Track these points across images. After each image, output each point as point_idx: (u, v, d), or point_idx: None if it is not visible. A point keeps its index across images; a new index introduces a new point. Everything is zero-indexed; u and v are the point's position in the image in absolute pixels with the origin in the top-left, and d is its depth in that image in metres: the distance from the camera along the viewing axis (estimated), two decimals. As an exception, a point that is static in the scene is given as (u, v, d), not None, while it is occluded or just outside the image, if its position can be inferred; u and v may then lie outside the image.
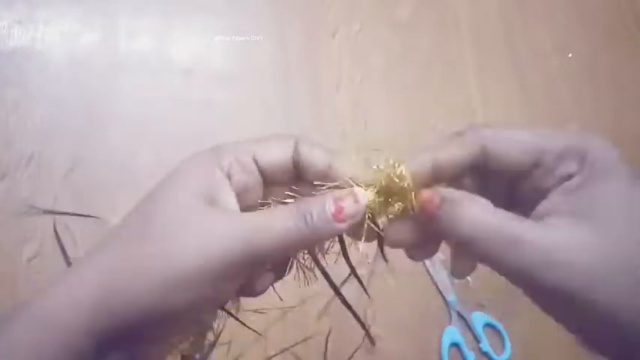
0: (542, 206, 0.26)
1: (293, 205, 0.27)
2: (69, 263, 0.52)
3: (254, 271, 0.29)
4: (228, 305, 0.32)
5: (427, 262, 0.61)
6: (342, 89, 0.67)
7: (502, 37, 0.76)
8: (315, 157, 0.29)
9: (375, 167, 0.29)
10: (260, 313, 0.50)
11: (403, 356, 0.58)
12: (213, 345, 0.44)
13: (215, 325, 0.39)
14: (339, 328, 0.56)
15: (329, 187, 0.28)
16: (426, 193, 0.27)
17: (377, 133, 0.67)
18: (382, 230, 0.29)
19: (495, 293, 0.60)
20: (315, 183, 0.29)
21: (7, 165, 0.54)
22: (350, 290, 0.50)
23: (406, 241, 0.29)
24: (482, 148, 0.27)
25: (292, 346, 0.53)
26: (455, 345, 0.59)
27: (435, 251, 0.30)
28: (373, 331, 0.57)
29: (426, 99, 0.70)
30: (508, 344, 0.60)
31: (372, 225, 0.28)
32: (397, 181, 0.28)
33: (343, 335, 0.56)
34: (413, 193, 0.28)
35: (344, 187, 0.28)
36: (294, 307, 0.54)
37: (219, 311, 0.31)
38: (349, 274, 0.34)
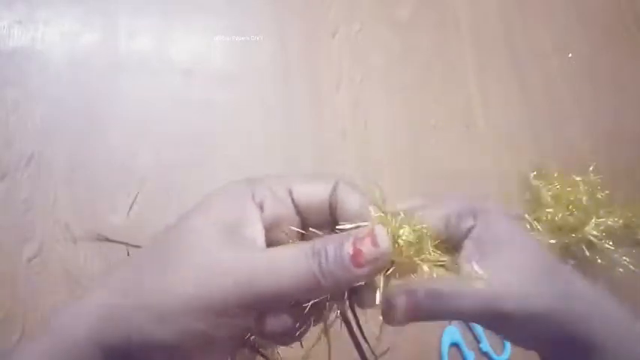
0: (463, 255, 0.31)
1: (307, 244, 0.25)
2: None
3: (262, 312, 0.26)
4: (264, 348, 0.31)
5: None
6: (342, 89, 0.67)
7: (502, 37, 0.76)
8: (351, 200, 0.28)
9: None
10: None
11: (403, 356, 0.58)
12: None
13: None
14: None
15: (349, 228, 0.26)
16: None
17: (377, 133, 0.67)
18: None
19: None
20: (338, 227, 0.27)
21: (7, 165, 0.54)
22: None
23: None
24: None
25: None
26: (455, 345, 0.59)
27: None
28: (373, 330, 0.57)
29: (426, 99, 0.70)
30: (508, 344, 0.60)
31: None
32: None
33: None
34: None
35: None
36: None
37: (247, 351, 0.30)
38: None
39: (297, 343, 0.29)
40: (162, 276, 0.25)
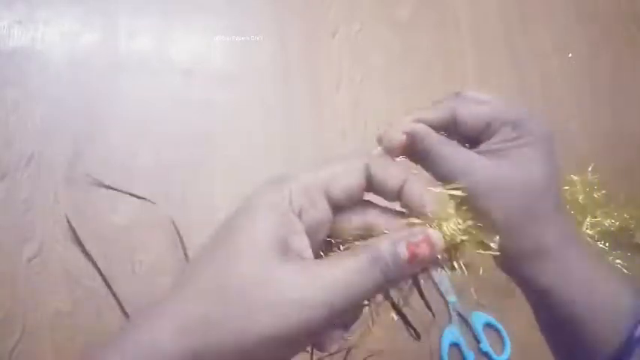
0: (481, 147, 0.34)
1: (363, 253, 0.26)
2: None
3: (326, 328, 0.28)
4: None
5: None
6: (342, 89, 0.67)
7: (502, 37, 0.76)
8: (390, 176, 0.29)
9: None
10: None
11: (403, 356, 0.58)
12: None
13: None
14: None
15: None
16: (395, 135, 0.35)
17: (377, 133, 0.67)
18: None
19: (495, 293, 0.60)
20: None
21: (7, 165, 0.54)
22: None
23: None
24: (452, 112, 0.36)
25: None
26: (455, 345, 0.59)
27: None
28: (373, 331, 0.57)
29: (426, 99, 0.70)
30: (508, 344, 0.60)
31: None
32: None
33: None
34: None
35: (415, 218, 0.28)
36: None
37: None
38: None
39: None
40: (237, 304, 0.25)
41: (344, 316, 0.28)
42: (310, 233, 0.28)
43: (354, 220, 0.29)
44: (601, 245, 0.59)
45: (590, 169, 0.64)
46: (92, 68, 0.60)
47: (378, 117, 0.67)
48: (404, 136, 0.34)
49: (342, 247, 0.30)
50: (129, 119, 0.60)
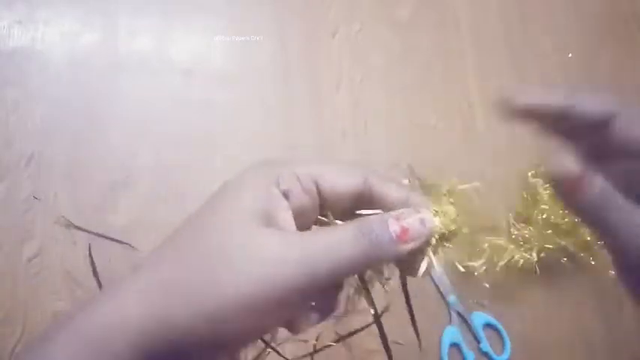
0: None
1: (352, 224, 0.26)
2: (98, 282, 0.52)
3: (306, 302, 0.27)
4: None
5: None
6: (342, 89, 0.67)
7: (502, 37, 0.76)
8: (389, 191, 0.28)
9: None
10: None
11: (403, 356, 0.58)
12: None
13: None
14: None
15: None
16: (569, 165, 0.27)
17: (377, 133, 0.67)
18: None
19: (495, 293, 0.60)
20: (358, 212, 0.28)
21: (7, 165, 0.54)
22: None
23: None
24: (617, 110, 0.29)
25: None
26: (455, 345, 0.59)
27: None
28: (373, 330, 0.57)
29: (426, 99, 0.70)
30: (508, 344, 0.60)
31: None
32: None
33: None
34: None
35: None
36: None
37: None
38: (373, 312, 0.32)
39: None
40: (211, 275, 0.24)
41: (325, 291, 0.27)
42: (296, 217, 0.28)
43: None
44: (601, 246, 0.59)
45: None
46: (92, 68, 0.60)
47: (378, 117, 0.67)
48: (574, 174, 0.27)
49: None
50: (129, 119, 0.60)
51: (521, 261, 0.59)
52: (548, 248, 0.60)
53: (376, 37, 0.71)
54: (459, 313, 0.60)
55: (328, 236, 0.25)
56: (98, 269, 0.53)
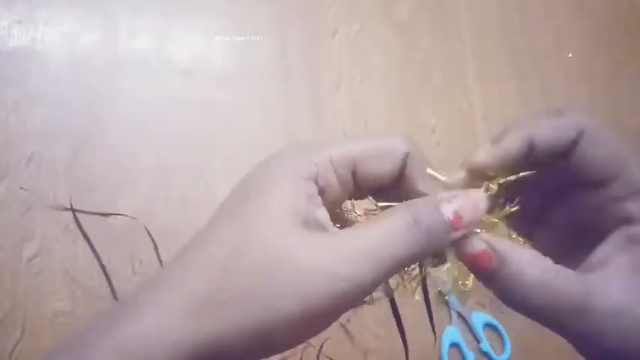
0: (600, 252, 0.25)
1: (404, 213, 0.23)
2: (101, 265, 0.52)
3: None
4: None
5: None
6: (342, 89, 0.67)
7: (502, 37, 0.76)
8: (423, 187, 0.26)
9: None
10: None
11: (403, 356, 0.58)
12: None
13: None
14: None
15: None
16: (476, 246, 0.24)
17: (377, 133, 0.67)
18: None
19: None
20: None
21: (7, 165, 0.54)
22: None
23: None
24: (578, 134, 0.25)
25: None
26: (455, 345, 0.59)
27: None
28: (373, 330, 0.57)
29: (426, 99, 0.70)
30: (508, 344, 0.60)
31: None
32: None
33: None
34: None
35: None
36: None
37: None
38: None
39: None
40: (259, 279, 0.22)
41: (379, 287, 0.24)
42: (330, 206, 0.26)
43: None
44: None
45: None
46: (92, 68, 0.60)
47: (378, 117, 0.67)
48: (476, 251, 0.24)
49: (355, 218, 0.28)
50: (129, 119, 0.60)
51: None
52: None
53: (376, 37, 0.71)
54: (459, 313, 0.60)
55: (376, 237, 0.23)
56: (98, 272, 0.53)
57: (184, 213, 0.57)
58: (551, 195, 0.27)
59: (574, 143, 0.25)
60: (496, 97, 0.73)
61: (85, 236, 0.54)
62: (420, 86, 0.70)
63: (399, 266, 0.23)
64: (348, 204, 0.28)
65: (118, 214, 0.55)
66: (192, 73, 0.63)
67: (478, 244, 0.24)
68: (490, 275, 0.24)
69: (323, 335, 0.53)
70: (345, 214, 0.28)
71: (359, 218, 0.28)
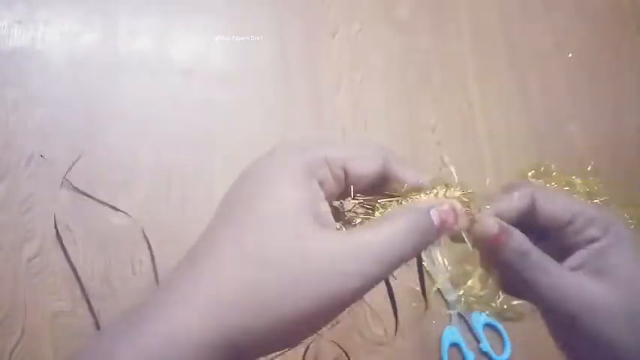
0: (572, 261, 0.32)
1: (400, 220, 0.26)
2: (71, 265, 0.52)
3: None
4: None
5: (427, 261, 0.61)
6: (342, 89, 0.67)
7: (502, 37, 0.76)
8: (407, 176, 0.30)
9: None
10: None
11: (403, 356, 0.58)
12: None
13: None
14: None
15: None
16: (493, 226, 0.30)
17: (377, 133, 0.67)
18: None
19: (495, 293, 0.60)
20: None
21: (7, 165, 0.54)
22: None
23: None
24: (531, 201, 0.32)
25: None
26: (455, 345, 0.59)
27: None
28: (373, 331, 0.57)
29: (426, 99, 0.70)
30: (508, 344, 0.60)
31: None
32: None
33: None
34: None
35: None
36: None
37: None
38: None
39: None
40: (279, 276, 0.23)
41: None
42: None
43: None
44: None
45: (589, 168, 0.64)
46: (92, 68, 0.60)
47: (378, 117, 0.67)
48: (494, 231, 0.30)
49: (347, 214, 0.30)
50: (129, 119, 0.60)
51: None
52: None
53: (376, 37, 0.71)
54: (459, 313, 0.60)
55: (383, 239, 0.26)
56: (97, 272, 0.53)
57: (184, 213, 0.57)
58: (533, 235, 0.32)
59: (532, 206, 0.32)
60: (496, 97, 0.73)
61: (63, 247, 0.54)
62: (420, 86, 0.70)
63: (400, 263, 0.26)
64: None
65: (120, 210, 0.55)
66: (192, 73, 0.63)
67: (493, 224, 0.30)
68: (501, 247, 0.30)
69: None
70: (342, 210, 0.30)
71: (357, 215, 0.30)
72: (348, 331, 0.56)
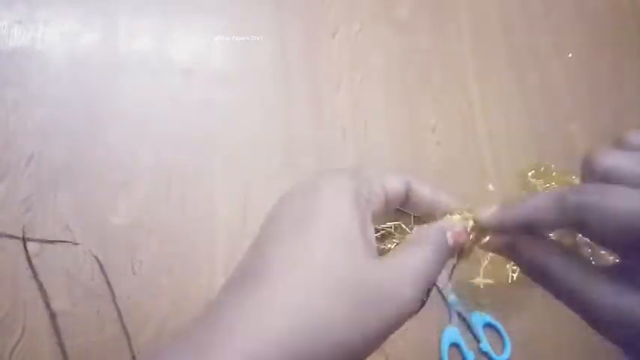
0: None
1: (427, 242, 0.28)
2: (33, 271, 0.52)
3: None
4: None
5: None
6: (342, 89, 0.67)
7: (502, 37, 0.76)
8: (425, 193, 0.31)
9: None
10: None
11: (403, 356, 0.58)
12: None
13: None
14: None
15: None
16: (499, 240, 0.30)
17: (377, 133, 0.67)
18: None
19: (495, 293, 0.60)
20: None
21: (7, 165, 0.54)
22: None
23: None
24: (580, 219, 0.25)
25: None
26: (455, 345, 0.59)
27: None
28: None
29: (426, 99, 0.70)
30: (508, 344, 0.60)
31: None
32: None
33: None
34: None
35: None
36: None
37: None
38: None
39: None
40: (343, 311, 0.24)
41: None
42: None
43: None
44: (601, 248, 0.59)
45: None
46: (92, 68, 0.60)
47: (378, 117, 0.67)
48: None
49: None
50: (129, 119, 0.60)
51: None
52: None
53: (376, 37, 0.71)
54: (459, 313, 0.60)
55: (419, 261, 0.27)
56: (97, 272, 0.53)
57: (184, 213, 0.57)
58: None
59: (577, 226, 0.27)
60: (496, 97, 0.73)
61: (31, 266, 0.54)
62: (420, 86, 0.70)
63: (431, 283, 0.27)
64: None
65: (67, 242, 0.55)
66: (192, 73, 0.63)
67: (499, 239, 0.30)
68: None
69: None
70: (379, 232, 0.32)
71: (392, 236, 0.33)
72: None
